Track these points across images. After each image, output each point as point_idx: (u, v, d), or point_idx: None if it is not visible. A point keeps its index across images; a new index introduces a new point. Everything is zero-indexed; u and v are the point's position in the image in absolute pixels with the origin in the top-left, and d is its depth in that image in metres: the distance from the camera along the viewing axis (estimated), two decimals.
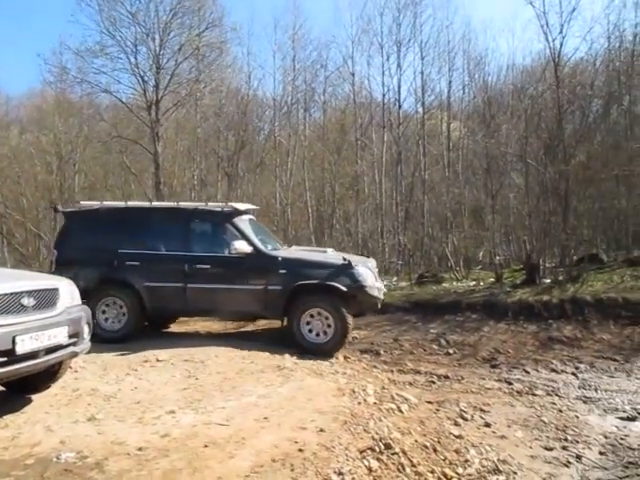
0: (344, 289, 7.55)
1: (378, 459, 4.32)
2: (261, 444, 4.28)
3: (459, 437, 5.21)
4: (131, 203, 8.82)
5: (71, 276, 8.00)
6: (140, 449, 4.14)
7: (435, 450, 4.77)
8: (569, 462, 5.09)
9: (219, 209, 8.35)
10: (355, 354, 8.37)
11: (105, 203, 8.77)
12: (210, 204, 8.56)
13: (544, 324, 10.02)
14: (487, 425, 5.76)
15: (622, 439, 5.63)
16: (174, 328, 9.73)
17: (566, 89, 14.68)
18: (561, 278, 12.06)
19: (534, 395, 6.89)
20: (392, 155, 19.87)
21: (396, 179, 19.38)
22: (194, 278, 7.85)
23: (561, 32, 14.15)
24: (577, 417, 6.19)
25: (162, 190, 18.14)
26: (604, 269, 12.80)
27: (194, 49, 18.18)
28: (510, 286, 12.20)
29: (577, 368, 8.07)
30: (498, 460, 4.87)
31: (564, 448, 5.37)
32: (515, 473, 4.75)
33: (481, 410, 6.20)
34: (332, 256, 8.30)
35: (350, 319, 7.67)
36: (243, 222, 8.31)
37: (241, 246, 7.77)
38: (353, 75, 20.46)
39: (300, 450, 4.21)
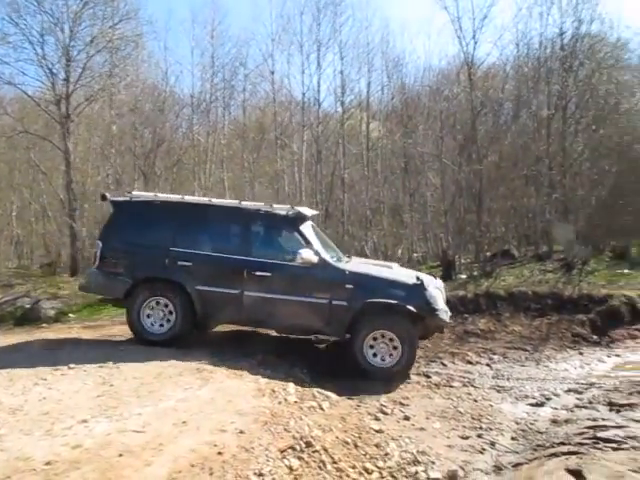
0: (415, 311, 7.12)
1: (299, 458, 4.32)
2: (179, 449, 4.17)
3: (379, 431, 5.30)
4: (188, 198, 8.07)
5: (117, 271, 7.48)
6: (48, 463, 3.91)
7: (356, 445, 4.83)
8: (484, 449, 5.31)
9: (284, 213, 7.72)
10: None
11: (160, 195, 8.13)
12: (275, 206, 7.84)
13: (460, 318, 10.39)
14: (406, 418, 5.91)
15: (532, 424, 5.96)
16: (88, 334, 9.33)
17: (479, 92, 15.29)
18: (476, 273, 12.55)
19: (451, 387, 7.15)
20: (312, 154, 19.98)
21: (316, 178, 19.50)
22: (252, 285, 7.29)
23: (474, 37, 14.76)
24: (491, 406, 6.48)
25: (74, 190, 17.39)
26: (515, 264, 13.44)
27: (107, 42, 17.54)
28: None
29: (491, 359, 8.43)
30: (417, 452, 5.00)
31: (479, 436, 5.60)
32: (433, 463, 4.89)
33: (401, 404, 6.35)
34: (402, 273, 7.86)
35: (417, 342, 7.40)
36: (308, 229, 7.77)
37: (308, 255, 7.23)
38: (273, 73, 20.39)
39: (219, 453, 4.14)
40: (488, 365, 8.17)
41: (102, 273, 7.53)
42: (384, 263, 8.72)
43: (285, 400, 5.58)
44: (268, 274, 7.27)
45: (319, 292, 7.20)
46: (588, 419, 5.98)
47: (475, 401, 6.62)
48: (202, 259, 7.43)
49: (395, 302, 7.09)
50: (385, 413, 5.99)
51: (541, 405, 6.57)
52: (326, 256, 7.43)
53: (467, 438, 5.55)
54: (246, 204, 7.91)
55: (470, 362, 8.31)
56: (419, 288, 7.21)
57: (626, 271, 13.64)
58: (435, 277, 8.25)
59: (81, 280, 8.45)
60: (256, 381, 6.14)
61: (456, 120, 16.30)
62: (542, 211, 15.28)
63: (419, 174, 16.72)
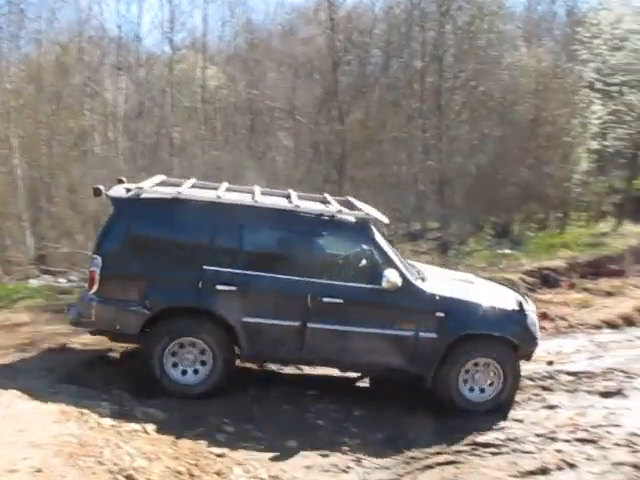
0: (516, 342, 7.10)
1: None
2: None
3: (221, 455, 5.30)
4: (225, 195, 7.15)
5: (128, 299, 6.56)
6: None
7: (191, 475, 4.79)
8: (349, 467, 5.55)
9: (354, 219, 7.12)
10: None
11: (185, 190, 7.13)
12: (344, 211, 7.12)
13: None
14: (254, 438, 5.96)
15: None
16: None
17: (342, 35, 15.59)
18: None
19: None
20: (131, 106, 19.33)
21: (136, 137, 18.92)
22: (319, 315, 6.77)
23: None
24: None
25: None
26: None
27: None
28: None
29: None
30: (269, 476, 5.08)
31: (343, 453, 5.80)
32: None
33: (246, 420, 6.38)
34: (495, 293, 7.69)
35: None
36: (383, 240, 7.28)
37: (393, 277, 6.76)
38: None
39: None
40: None
41: (104, 301, 6.69)
42: (464, 277, 8.58)
43: (98, 424, 5.38)
44: (339, 301, 6.83)
45: (403, 322, 6.93)
46: None
47: None
48: (252, 281, 6.80)
49: (496, 334, 7.07)
50: (227, 432, 5.99)
51: None
52: (411, 278, 7.08)
53: (328, 456, 5.72)
54: (305, 206, 7.18)
55: None
56: (520, 315, 7.20)
57: (507, 251, 14.79)
58: (525, 296, 8.20)
59: (70, 312, 7.19)
60: (58, 402, 5.86)
61: (314, 68, 16.54)
62: (415, 181, 16.02)
63: (268, 134, 16.81)
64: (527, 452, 5.75)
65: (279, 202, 7.29)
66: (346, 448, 5.93)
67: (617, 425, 6.32)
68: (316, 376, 7.84)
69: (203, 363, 6.82)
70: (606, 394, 7.38)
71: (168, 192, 7.01)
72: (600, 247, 16.36)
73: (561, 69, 19.35)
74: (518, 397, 7.21)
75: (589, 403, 7.09)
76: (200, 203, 6.97)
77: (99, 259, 6.66)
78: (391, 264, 6.96)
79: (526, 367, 7.66)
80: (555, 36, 22.71)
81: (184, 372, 6.82)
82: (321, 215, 7.11)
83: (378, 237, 7.20)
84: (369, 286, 6.92)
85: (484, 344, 7.10)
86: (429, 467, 5.45)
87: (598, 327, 10.93)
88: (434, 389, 7.05)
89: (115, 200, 6.92)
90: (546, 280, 13.36)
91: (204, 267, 6.71)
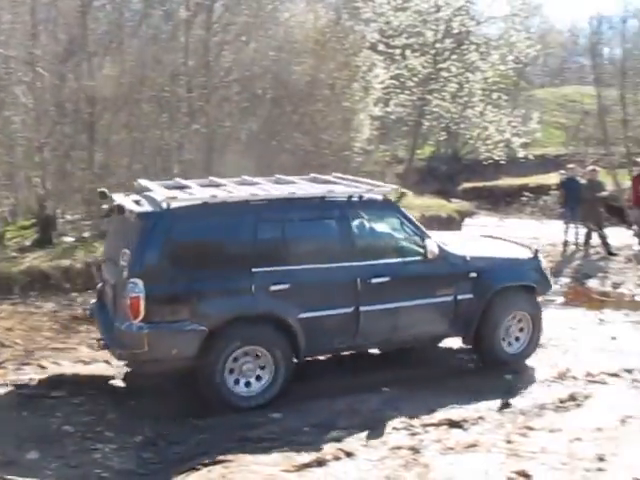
0: (538, 289, 8.71)
1: None
2: None
3: None
4: (254, 191, 7.58)
5: (180, 319, 6.76)
6: None
7: None
8: (102, 477, 5.56)
9: (382, 197, 8.05)
10: None
11: (219, 194, 7.36)
12: (367, 188, 8.01)
13: (66, 299, 10.44)
14: None
15: (166, 433, 6.48)
16: None
17: None
18: (87, 235, 12.64)
19: (52, 398, 7.22)
20: None
21: None
22: (369, 297, 7.49)
23: None
24: None
25: None
26: None
27: None
28: (16, 249, 12.23)
29: None
30: None
31: (95, 461, 5.84)
32: None
33: None
34: (509, 247, 9.34)
35: None
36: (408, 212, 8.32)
37: (433, 247, 7.78)
38: None
39: None
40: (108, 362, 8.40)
41: (155, 327, 6.73)
42: (470, 236, 10.18)
43: None
44: (386, 279, 7.57)
45: (442, 289, 7.94)
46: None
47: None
48: (302, 275, 7.30)
49: (524, 284, 8.56)
50: None
51: None
52: (443, 244, 8.12)
53: (77, 467, 5.72)
54: (336, 191, 7.90)
55: (84, 361, 8.46)
56: (536, 262, 8.78)
57: None
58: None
59: (117, 350, 7.05)
60: None
61: (58, 11, 15.93)
62: (179, 147, 16.02)
63: (2, 89, 15.97)
64: (303, 444, 6.03)
65: (305, 190, 7.96)
66: (98, 456, 5.92)
67: (396, 409, 6.86)
68: (61, 375, 7.74)
69: (262, 368, 7.19)
70: None
71: (198, 198, 7.27)
72: None
73: (342, 28, 20.17)
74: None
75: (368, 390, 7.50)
76: (235, 204, 7.32)
77: (140, 282, 6.67)
78: (424, 234, 8.02)
79: None
80: None
81: (247, 384, 7.15)
82: (351, 197, 7.83)
83: (405, 210, 8.30)
84: (409, 259, 7.91)
85: (515, 297, 8.52)
86: (194, 469, 5.54)
87: None
88: (477, 349, 8.38)
89: (146, 215, 7.05)
90: None
91: (253, 270, 7.09)
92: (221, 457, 5.74)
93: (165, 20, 16.97)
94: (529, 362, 8.49)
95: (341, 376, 8.07)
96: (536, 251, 8.98)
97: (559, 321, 10.18)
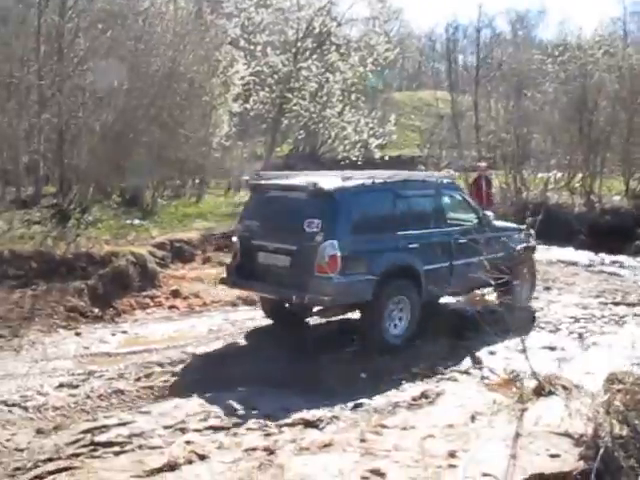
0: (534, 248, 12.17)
1: None
2: None
3: None
4: (397, 175, 10.35)
5: (359, 271, 8.91)
6: None
7: None
8: None
9: (451, 180, 11.50)
10: None
11: (377, 177, 9.90)
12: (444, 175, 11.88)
13: None
14: None
15: (7, 440, 6.08)
16: None
17: None
18: None
19: None
20: None
21: None
22: (457, 254, 10.04)
23: None
24: None
25: None
26: None
27: None
28: None
29: None
30: None
31: None
32: None
33: None
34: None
35: None
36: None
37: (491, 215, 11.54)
38: None
39: None
40: None
41: (344, 278, 8.78)
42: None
43: None
44: (465, 240, 9.69)
45: (489, 249, 9.36)
46: (87, 421, 6.51)
47: None
48: (423, 238, 9.75)
49: (531, 245, 11.85)
50: None
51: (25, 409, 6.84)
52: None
53: None
54: (433, 174, 11.82)
55: None
56: (530, 230, 11.57)
57: (137, 222, 14.97)
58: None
59: (316, 297, 8.85)
60: None
61: None
62: (28, 137, 15.34)
63: None
64: (154, 447, 5.82)
65: (417, 175, 11.56)
66: None
67: (251, 408, 6.80)
68: None
69: (400, 313, 9.45)
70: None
71: (367, 181, 9.60)
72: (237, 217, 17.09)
73: (203, 21, 19.93)
74: (143, 389, 7.46)
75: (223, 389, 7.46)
76: (382, 184, 9.80)
77: (336, 244, 8.69)
78: (475, 206, 11.37)
79: (166, 353, 8.43)
80: None
81: (395, 326, 9.41)
82: (439, 180, 10.96)
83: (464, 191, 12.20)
84: (473, 225, 10.75)
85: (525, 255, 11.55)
86: (38, 477, 5.25)
87: (234, 304, 11.57)
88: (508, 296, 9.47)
89: (337, 191, 9.12)
90: (179, 254, 13.76)
91: (398, 233, 9.48)
92: (66, 464, 5.45)
93: (16, 1, 16.24)
94: (383, 360, 8.63)
95: (195, 373, 8.00)
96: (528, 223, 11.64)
97: None
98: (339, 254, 8.63)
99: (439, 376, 8.10)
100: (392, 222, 9.50)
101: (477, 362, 8.73)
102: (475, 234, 9.79)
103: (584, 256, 17.64)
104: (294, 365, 8.40)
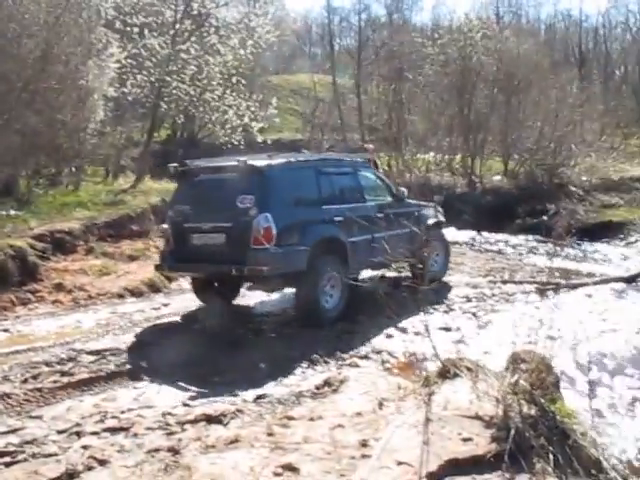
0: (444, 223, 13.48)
1: None
2: None
3: None
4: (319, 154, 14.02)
5: (293, 242, 9.63)
6: None
7: None
8: None
9: (363, 159, 13.01)
10: None
11: (299, 156, 12.24)
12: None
13: None
14: None
15: None
16: None
17: None
18: None
19: None
20: None
21: None
22: (379, 227, 9.96)
23: None
24: None
25: None
26: None
27: None
28: None
29: None
30: None
31: None
32: None
33: None
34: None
35: None
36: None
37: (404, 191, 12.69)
38: None
39: None
40: None
41: (280, 249, 9.34)
42: None
43: None
44: (382, 215, 10.72)
45: (405, 223, 9.71)
46: None
47: None
48: (346, 212, 10.06)
49: (441, 220, 13.07)
50: None
51: None
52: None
53: None
54: (342, 156, 13.18)
55: None
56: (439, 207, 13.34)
57: (13, 212, 14.34)
58: None
59: (253, 268, 9.35)
60: None
61: None
62: None
63: None
64: (50, 455, 5.46)
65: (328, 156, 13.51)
66: None
67: (149, 406, 6.55)
68: None
69: (333, 287, 10.01)
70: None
71: (292, 159, 10.68)
72: (120, 206, 16.75)
73: (76, 2, 19.17)
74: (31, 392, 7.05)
75: (118, 387, 7.27)
76: (310, 161, 11.14)
77: (270, 216, 9.28)
78: (389, 183, 12.66)
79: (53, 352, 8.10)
80: None
81: (327, 301, 9.93)
82: (354, 159, 12.30)
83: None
84: (389, 201, 11.79)
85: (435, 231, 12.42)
86: None
87: (121, 296, 11.33)
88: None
89: (267, 168, 9.84)
90: (60, 245, 13.18)
91: (323, 207, 10.21)
92: None
93: None
94: (281, 347, 8.56)
95: (86, 371, 7.66)
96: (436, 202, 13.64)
97: None
98: (273, 226, 9.24)
99: (339, 362, 8.08)
100: (317, 197, 10.30)
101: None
102: (391, 209, 11.22)
103: (469, 235, 18.24)
104: (191, 356, 8.24)
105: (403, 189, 12.59)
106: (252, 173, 9.62)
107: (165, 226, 10.40)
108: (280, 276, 9.62)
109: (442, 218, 13.00)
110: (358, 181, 11.37)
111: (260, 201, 9.42)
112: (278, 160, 10.10)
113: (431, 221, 12.33)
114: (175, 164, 10.82)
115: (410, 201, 12.40)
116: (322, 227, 10.12)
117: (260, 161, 9.91)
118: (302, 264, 9.50)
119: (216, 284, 10.78)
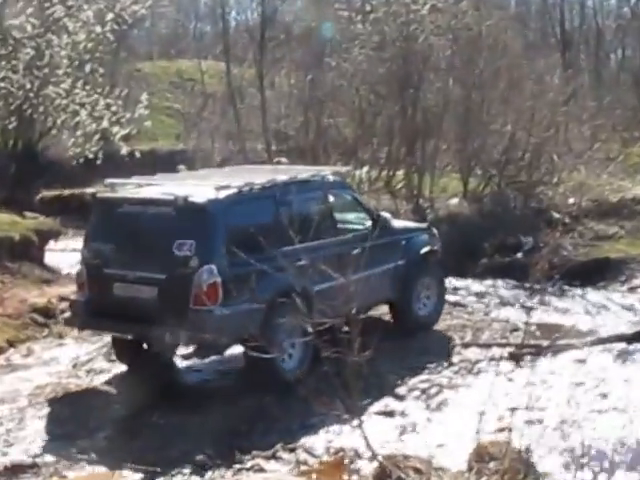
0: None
1: None
2: None
3: None
4: (277, 175, 12.24)
5: (244, 299, 10.29)
6: None
7: None
8: None
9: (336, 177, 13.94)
10: None
11: (256, 180, 11.65)
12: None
13: None
14: None
15: None
16: None
17: None
18: None
19: None
20: None
21: None
22: (352, 267, 9.37)
23: None
24: None
25: None
26: None
27: None
28: None
29: None
30: None
31: None
32: None
33: None
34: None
35: None
36: None
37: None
38: None
39: None
40: None
41: (228, 309, 10.09)
42: None
43: None
44: (359, 249, 10.23)
45: (388, 256, 11.98)
46: None
47: None
48: (312, 252, 10.58)
49: (435, 248, 14.28)
50: None
51: None
52: None
53: None
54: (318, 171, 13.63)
55: None
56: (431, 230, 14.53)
57: None
58: None
59: (194, 335, 9.77)
60: None
61: None
62: None
63: None
64: None
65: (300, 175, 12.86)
66: None
67: None
68: None
69: (293, 347, 10.69)
70: None
71: (245, 188, 10.85)
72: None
73: None
74: None
75: None
76: (263, 192, 11.24)
77: (215, 269, 9.74)
78: (368, 206, 13.77)
79: None
80: None
81: (284, 360, 10.61)
82: (324, 179, 12.81)
83: None
84: (368, 228, 12.28)
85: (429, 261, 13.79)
86: None
87: None
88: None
89: (211, 204, 10.14)
90: None
91: (284, 249, 9.94)
92: None
93: None
94: (162, 439, 8.58)
95: None
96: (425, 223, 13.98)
97: None
98: (219, 280, 9.80)
99: (237, 465, 7.94)
100: (277, 236, 10.22)
101: None
102: (371, 240, 10.70)
103: None
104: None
105: (386, 214, 13.34)
106: (192, 211, 9.89)
107: (79, 268, 10.57)
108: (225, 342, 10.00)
109: (437, 245, 13.65)
110: (329, 207, 11.88)
111: (203, 249, 9.80)
112: (226, 191, 10.22)
113: (424, 250, 13.11)
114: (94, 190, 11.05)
115: (395, 225, 13.07)
116: (281, 277, 10.08)
117: (204, 193, 10.08)
118: (254, 327, 9.70)
119: (145, 346, 10.97)
